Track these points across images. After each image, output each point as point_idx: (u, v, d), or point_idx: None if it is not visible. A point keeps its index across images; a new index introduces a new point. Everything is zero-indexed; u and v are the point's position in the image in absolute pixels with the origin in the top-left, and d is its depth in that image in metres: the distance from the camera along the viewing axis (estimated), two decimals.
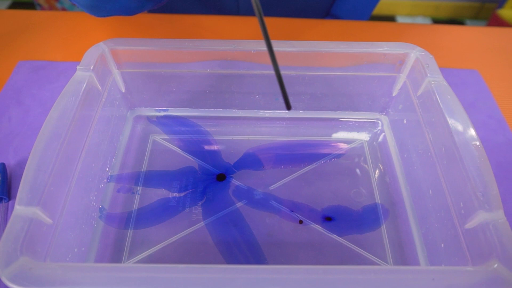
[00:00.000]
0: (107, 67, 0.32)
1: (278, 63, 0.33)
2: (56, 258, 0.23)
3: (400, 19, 1.72)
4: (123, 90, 0.35)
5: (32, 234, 0.21)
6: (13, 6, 1.70)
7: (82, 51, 0.47)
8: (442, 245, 0.26)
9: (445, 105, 0.27)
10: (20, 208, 0.22)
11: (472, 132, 0.25)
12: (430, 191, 0.29)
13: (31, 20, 0.51)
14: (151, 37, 0.49)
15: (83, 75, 0.29)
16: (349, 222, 0.31)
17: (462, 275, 0.20)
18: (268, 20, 0.51)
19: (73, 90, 0.28)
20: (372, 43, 0.32)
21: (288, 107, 0.24)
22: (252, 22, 0.50)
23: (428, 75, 0.30)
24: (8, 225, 0.21)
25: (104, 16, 0.22)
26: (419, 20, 1.72)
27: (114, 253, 0.29)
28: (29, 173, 0.23)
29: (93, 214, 0.29)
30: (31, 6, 1.63)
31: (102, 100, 0.31)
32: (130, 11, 0.22)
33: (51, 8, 1.33)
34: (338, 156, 0.36)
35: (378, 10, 1.72)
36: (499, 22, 1.31)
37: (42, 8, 1.34)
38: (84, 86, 0.28)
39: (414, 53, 0.32)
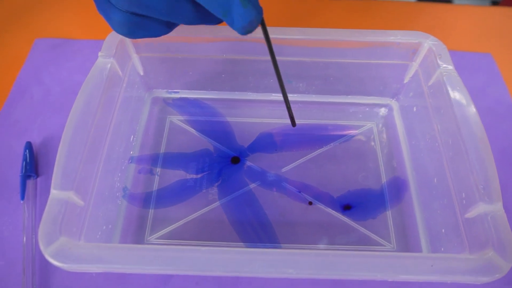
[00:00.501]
0: (127, 52, 0.33)
1: (293, 49, 0.33)
2: (88, 236, 0.26)
3: None
4: (142, 73, 0.36)
5: (68, 216, 0.23)
6: None
7: (96, 28, 0.47)
8: (443, 230, 0.28)
9: (454, 99, 0.28)
10: (56, 192, 0.24)
11: (479, 126, 0.27)
12: (435, 179, 0.30)
13: None
14: None
15: (105, 62, 0.30)
16: (369, 206, 0.33)
17: (458, 262, 0.22)
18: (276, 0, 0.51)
19: (97, 77, 0.29)
20: (385, 32, 0.33)
21: (293, 124, 0.27)
22: (268, 3, 0.50)
23: (440, 66, 0.30)
24: (47, 208, 0.23)
25: (135, 39, 0.24)
26: None
27: (137, 229, 0.31)
28: (61, 159, 0.25)
29: (117, 194, 0.32)
30: None
31: (123, 85, 0.32)
32: (157, 36, 0.25)
33: None
34: (348, 139, 0.37)
35: None
36: None
37: None
38: (107, 73, 0.29)
39: (427, 43, 0.32)
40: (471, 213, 0.25)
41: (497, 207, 0.24)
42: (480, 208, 0.24)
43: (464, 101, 0.28)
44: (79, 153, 0.26)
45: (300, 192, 0.34)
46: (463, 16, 0.51)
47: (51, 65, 0.44)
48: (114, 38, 0.32)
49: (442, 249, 0.28)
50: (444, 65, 0.30)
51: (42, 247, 0.22)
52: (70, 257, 0.22)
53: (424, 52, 0.33)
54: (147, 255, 0.22)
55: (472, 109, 0.27)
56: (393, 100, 0.39)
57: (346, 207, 0.33)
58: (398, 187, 0.34)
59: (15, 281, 0.30)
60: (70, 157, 0.25)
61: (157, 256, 0.22)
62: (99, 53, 0.30)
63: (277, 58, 0.34)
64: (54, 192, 0.24)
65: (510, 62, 0.46)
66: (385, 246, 0.31)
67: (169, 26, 0.24)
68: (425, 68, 0.33)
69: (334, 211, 0.33)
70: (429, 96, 0.32)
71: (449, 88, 0.29)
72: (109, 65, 0.30)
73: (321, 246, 0.31)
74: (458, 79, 0.29)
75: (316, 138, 0.37)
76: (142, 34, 0.24)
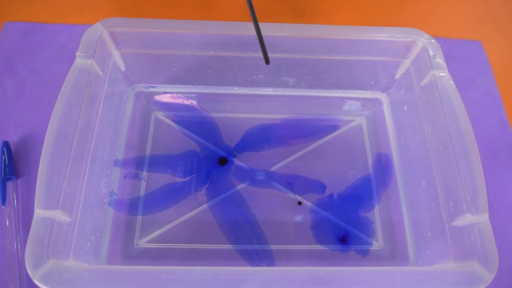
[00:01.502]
0: (106, 49, 0.31)
1: (285, 45, 0.32)
2: (77, 251, 0.25)
3: None
4: (123, 69, 0.34)
5: (55, 235, 0.23)
6: None
7: (71, 11, 0.44)
8: (429, 234, 0.29)
9: (446, 105, 0.28)
10: (41, 212, 0.23)
11: (470, 135, 0.27)
12: (423, 182, 0.30)
13: None
14: (147, 4, 0.45)
15: (83, 63, 0.28)
16: (359, 205, 0.33)
17: (444, 275, 0.23)
18: None
19: (76, 81, 0.27)
20: (379, 28, 0.32)
21: (267, 61, 0.26)
22: None
23: (433, 67, 0.30)
24: (32, 229, 0.22)
25: None
26: None
27: (126, 234, 0.31)
28: (43, 176, 0.24)
29: (104, 200, 0.31)
30: None
31: (104, 86, 0.30)
32: None
33: None
34: (338, 134, 0.37)
35: None
36: None
37: None
38: (87, 76, 0.28)
39: (421, 41, 0.31)
40: (458, 222, 0.25)
41: (483, 218, 0.24)
42: (467, 219, 0.25)
43: (456, 108, 0.28)
44: (62, 166, 0.24)
45: (290, 184, 0.34)
46: (454, 1, 0.50)
47: (24, 54, 0.41)
48: (91, 35, 0.30)
49: (428, 251, 0.29)
50: (437, 68, 0.30)
51: (30, 272, 0.21)
52: (60, 281, 0.21)
53: (418, 51, 0.32)
54: (139, 277, 0.22)
55: (465, 117, 0.27)
56: (383, 95, 0.38)
57: (342, 240, 0.32)
58: (384, 168, 0.35)
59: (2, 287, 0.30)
60: (53, 173, 0.24)
61: (150, 278, 0.22)
62: (77, 53, 0.28)
63: (268, 54, 0.33)
64: (38, 212, 0.23)
65: (499, 50, 0.46)
66: (372, 245, 0.32)
67: None
68: (418, 67, 0.32)
69: (322, 210, 0.33)
70: (421, 97, 0.31)
71: (441, 94, 0.28)
72: (88, 67, 0.28)
73: (309, 246, 0.31)
74: (451, 82, 0.29)
75: (304, 133, 0.37)
76: None
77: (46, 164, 0.24)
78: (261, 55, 0.33)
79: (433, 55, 0.30)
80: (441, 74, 0.29)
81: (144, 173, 0.33)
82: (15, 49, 0.41)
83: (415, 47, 0.32)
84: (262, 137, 0.36)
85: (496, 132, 0.39)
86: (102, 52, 0.30)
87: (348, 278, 0.22)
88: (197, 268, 0.22)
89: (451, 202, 0.26)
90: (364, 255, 0.31)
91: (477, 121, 0.40)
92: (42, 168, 0.24)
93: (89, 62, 0.28)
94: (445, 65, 0.30)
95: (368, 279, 0.22)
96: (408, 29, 0.32)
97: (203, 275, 0.22)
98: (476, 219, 0.24)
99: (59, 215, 0.23)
